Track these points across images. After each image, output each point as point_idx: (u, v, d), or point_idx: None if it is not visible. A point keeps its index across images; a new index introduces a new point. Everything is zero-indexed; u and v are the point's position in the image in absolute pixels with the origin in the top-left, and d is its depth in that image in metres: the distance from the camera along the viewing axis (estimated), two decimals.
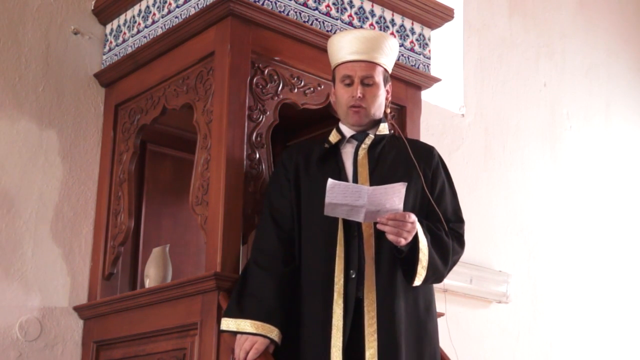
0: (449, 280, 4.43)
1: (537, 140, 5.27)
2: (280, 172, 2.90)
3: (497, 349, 4.77)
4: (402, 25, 3.48)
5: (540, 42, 5.44)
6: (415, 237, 2.64)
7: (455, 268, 4.50)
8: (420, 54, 3.52)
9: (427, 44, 3.55)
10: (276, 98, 3.09)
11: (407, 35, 3.50)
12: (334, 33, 3.16)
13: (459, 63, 4.97)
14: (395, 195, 2.56)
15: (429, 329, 2.79)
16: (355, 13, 3.35)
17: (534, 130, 5.26)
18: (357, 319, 2.66)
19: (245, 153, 2.98)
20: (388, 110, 2.96)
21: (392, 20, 3.45)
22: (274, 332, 2.64)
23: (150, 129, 3.47)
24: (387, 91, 2.92)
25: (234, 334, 2.66)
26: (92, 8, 3.67)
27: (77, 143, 3.54)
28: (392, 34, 3.44)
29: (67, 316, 3.41)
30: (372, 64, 2.85)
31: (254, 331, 2.62)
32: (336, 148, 2.89)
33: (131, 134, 3.45)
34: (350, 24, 3.32)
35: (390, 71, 2.94)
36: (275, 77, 3.10)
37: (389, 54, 2.90)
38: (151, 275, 3.28)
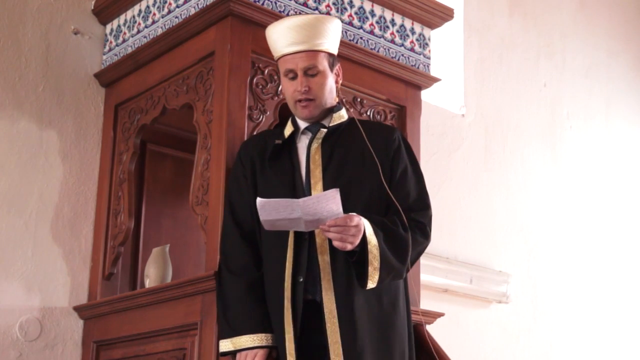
0: (449, 280, 4.48)
1: (537, 140, 5.27)
2: (237, 169, 2.79)
3: (497, 349, 4.77)
4: (402, 25, 3.48)
5: (540, 42, 5.44)
6: (364, 239, 2.50)
7: (455, 268, 4.55)
8: (420, 54, 3.52)
9: (427, 44, 3.55)
10: (276, 98, 3.09)
11: (407, 35, 3.50)
12: None
13: (459, 63, 4.97)
14: (330, 201, 2.43)
15: (396, 325, 2.66)
16: (355, 13, 3.35)
17: (534, 130, 5.26)
18: (318, 324, 2.57)
19: None
20: (335, 101, 2.80)
21: (392, 20, 3.45)
22: (270, 339, 2.61)
23: (150, 129, 3.47)
24: (337, 74, 2.78)
25: (234, 353, 2.63)
26: (92, 8, 3.67)
27: (77, 143, 3.54)
28: (392, 34, 3.44)
29: (67, 316, 3.41)
30: (314, 52, 2.68)
31: (251, 345, 2.59)
32: (292, 141, 2.76)
33: (131, 134, 3.45)
34: (351, 24, 3.32)
35: (336, 53, 2.77)
36: (275, 77, 3.10)
37: (330, 35, 2.73)
38: (151, 275, 3.28)
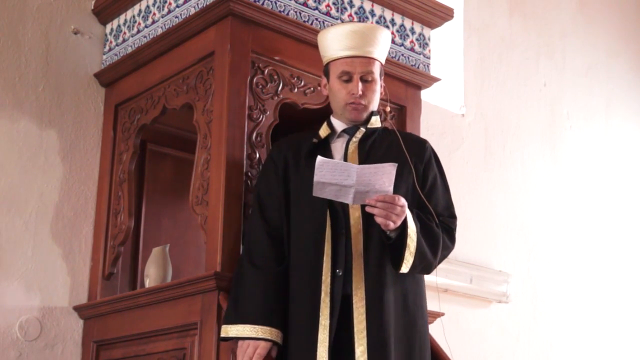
0: (449, 280, 4.47)
1: (537, 140, 5.27)
2: (269, 167, 2.85)
3: (497, 349, 4.77)
4: (402, 25, 3.48)
5: (540, 42, 5.44)
6: (404, 223, 2.58)
7: (455, 268, 4.55)
8: (420, 54, 3.52)
9: (427, 44, 3.55)
10: (276, 98, 3.09)
11: (407, 35, 3.50)
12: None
13: (459, 63, 4.97)
14: (384, 175, 2.50)
15: (419, 324, 2.73)
16: (355, 13, 3.35)
17: (534, 130, 5.26)
18: (346, 316, 2.61)
19: (245, 153, 2.98)
20: (388, 109, 2.95)
21: (392, 19, 3.46)
22: (275, 334, 2.61)
23: (150, 128, 3.47)
24: (382, 85, 2.89)
25: (235, 340, 2.63)
26: (92, 8, 3.67)
27: (77, 143, 3.54)
28: (392, 33, 3.44)
29: (67, 316, 3.41)
30: (371, 60, 2.80)
31: (255, 335, 2.59)
32: (326, 142, 2.84)
33: (131, 133, 3.45)
34: None
35: (383, 63, 2.90)
36: (275, 77, 3.10)
37: (384, 47, 2.86)
38: (151, 275, 3.28)
